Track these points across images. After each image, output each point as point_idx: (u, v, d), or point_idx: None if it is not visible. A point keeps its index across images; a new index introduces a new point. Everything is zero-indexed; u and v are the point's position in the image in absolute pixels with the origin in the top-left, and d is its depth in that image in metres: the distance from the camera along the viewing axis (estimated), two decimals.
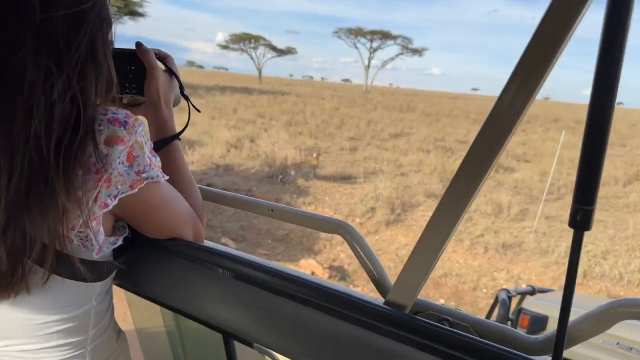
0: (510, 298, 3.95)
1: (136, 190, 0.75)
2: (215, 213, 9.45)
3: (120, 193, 0.73)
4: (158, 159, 0.82)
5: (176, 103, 1.07)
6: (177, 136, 0.98)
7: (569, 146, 18.75)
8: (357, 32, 55.18)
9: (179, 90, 1.03)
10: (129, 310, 1.59)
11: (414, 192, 11.64)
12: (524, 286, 4.80)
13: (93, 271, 0.79)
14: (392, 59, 60.14)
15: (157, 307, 1.35)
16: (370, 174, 13.02)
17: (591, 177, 0.52)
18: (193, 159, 12.80)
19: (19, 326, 0.79)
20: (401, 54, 58.37)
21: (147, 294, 0.96)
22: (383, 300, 0.74)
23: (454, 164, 14.60)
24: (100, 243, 0.76)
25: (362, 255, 0.83)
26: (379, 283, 0.81)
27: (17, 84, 0.65)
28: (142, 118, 0.98)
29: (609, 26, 0.50)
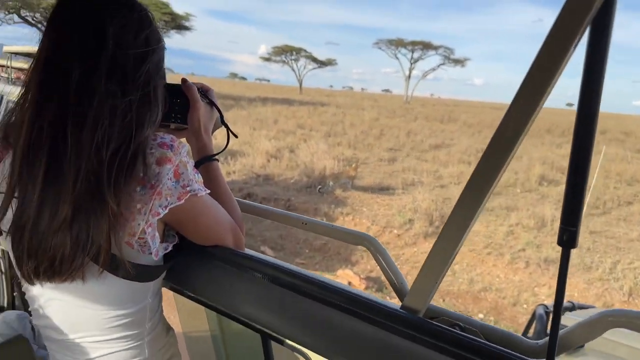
0: (548, 313, 3.91)
1: (183, 201, 0.87)
2: (255, 222, 9.66)
3: (170, 204, 0.86)
4: (199, 176, 0.94)
5: (217, 127, 1.20)
6: (214, 157, 1.11)
7: (616, 159, 18.10)
8: (397, 43, 55.13)
9: (219, 118, 1.16)
10: (175, 310, 1.73)
11: (453, 204, 11.53)
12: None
13: (146, 273, 0.93)
14: (434, 69, 59.68)
15: (202, 308, 1.48)
16: (409, 185, 12.98)
17: (576, 202, 0.60)
18: (235, 169, 13.13)
19: (90, 321, 0.93)
20: (443, 64, 57.86)
21: (192, 294, 1.08)
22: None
23: None
24: (156, 246, 0.89)
25: (385, 265, 0.92)
26: (400, 291, 0.90)
27: (90, 99, 0.81)
28: (184, 141, 1.12)
29: (591, 57, 0.57)
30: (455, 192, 12.57)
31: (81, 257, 0.83)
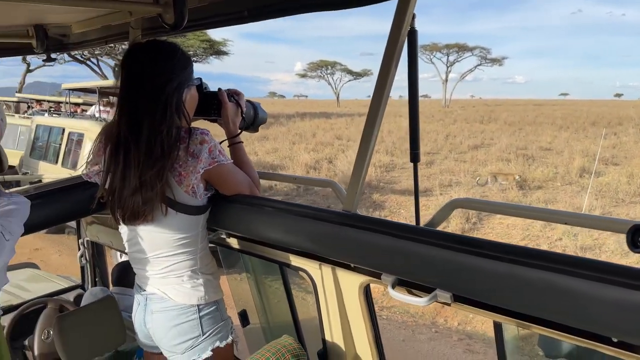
0: None
1: (212, 167, 1.45)
2: None
3: (205, 167, 1.44)
4: (225, 153, 1.51)
5: (262, 122, 1.73)
6: (236, 138, 1.65)
7: None
8: (432, 48, 55.16)
9: (250, 111, 1.70)
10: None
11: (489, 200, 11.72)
12: None
13: (196, 209, 1.51)
14: (471, 70, 59.28)
15: (239, 257, 2.04)
16: (446, 186, 13.24)
17: (415, 133, 1.12)
18: (275, 182, 13.81)
19: (163, 241, 1.52)
20: (479, 65, 57.34)
21: (227, 228, 1.64)
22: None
23: (535, 171, 14.37)
24: (201, 192, 1.47)
25: (342, 199, 1.44)
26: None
27: (142, 117, 1.41)
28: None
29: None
30: (494, 189, 12.73)
31: (149, 207, 1.42)
